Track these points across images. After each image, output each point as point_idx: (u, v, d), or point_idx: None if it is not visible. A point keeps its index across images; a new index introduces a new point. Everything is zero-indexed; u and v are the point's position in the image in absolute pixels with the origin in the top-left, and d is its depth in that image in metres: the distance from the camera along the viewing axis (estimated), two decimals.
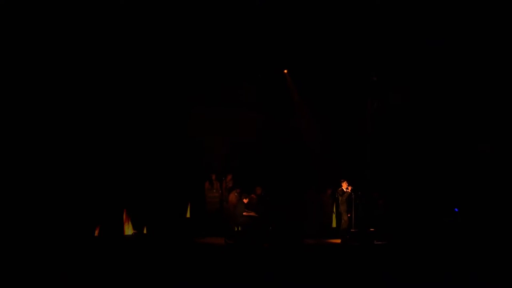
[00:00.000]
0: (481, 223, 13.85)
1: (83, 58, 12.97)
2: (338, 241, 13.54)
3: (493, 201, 14.12)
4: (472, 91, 14.84)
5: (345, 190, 13.72)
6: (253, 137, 15.32)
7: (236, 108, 15.58)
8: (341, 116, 16.06)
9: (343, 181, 13.83)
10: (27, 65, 12.27)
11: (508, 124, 14.53)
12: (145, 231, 14.26)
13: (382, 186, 15.10)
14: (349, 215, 13.64)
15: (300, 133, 16.40)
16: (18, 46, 12.10)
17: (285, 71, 16.09)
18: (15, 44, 12.07)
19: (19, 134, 12.27)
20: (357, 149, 15.87)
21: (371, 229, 13.45)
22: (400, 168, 15.42)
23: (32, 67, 12.34)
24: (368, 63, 14.88)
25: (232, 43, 13.85)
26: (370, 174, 15.30)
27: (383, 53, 14.45)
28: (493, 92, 14.67)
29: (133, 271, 8.76)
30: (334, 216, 15.54)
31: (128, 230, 14.14)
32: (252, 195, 13.89)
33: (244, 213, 13.20)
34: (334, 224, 15.46)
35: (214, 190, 14.66)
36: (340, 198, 13.80)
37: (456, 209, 14.14)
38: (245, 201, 13.37)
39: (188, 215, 14.83)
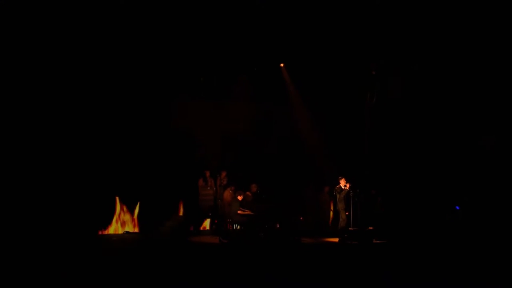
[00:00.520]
0: (482, 220, 13.77)
1: (72, 50, 12.86)
2: (336, 239, 13.38)
3: (495, 197, 14.04)
4: (473, 85, 14.75)
5: (343, 187, 13.53)
6: (248, 132, 15.20)
7: (230, 102, 15.41)
8: (339, 111, 15.96)
9: (341, 178, 13.64)
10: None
11: (510, 118, 14.42)
12: (137, 230, 14.17)
13: (381, 183, 14.99)
14: (347, 213, 13.47)
15: (297, 128, 16.29)
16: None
17: (282, 64, 15.91)
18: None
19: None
20: (355, 145, 15.74)
21: (370, 228, 13.28)
22: (399, 165, 15.32)
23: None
24: (367, 56, 14.71)
25: (227, 35, 13.61)
26: (369, 170, 15.14)
27: (382, 45, 14.29)
28: (493, 85, 14.60)
29: (126, 271, 8.66)
30: (331, 214, 15.44)
31: (120, 229, 14.05)
32: (247, 193, 13.67)
33: (239, 211, 12.99)
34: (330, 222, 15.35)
35: (208, 188, 14.42)
36: (338, 196, 13.61)
37: (457, 207, 13.93)
38: (240, 198, 13.17)
39: (181, 213, 14.71)
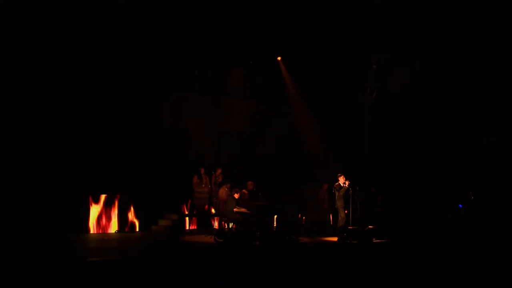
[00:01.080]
0: (485, 218, 13.73)
1: (63, 45, 12.72)
2: (335, 239, 13.15)
3: (498, 195, 13.99)
4: (475, 81, 14.70)
5: (342, 185, 13.27)
6: (245, 128, 15.14)
7: (226, 98, 15.23)
8: (338, 106, 15.88)
9: (340, 175, 13.36)
10: None
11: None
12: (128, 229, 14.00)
13: (381, 180, 14.88)
14: (346, 211, 13.26)
15: (295, 124, 16.14)
16: None
17: (279, 58, 15.73)
18: None
19: None
20: (355, 141, 15.62)
21: (370, 227, 13.06)
22: (400, 162, 15.25)
23: None
24: (367, 49, 14.59)
25: (222, 26, 13.40)
26: (368, 168, 15.03)
27: (383, 39, 14.17)
28: (497, 81, 14.58)
29: (120, 272, 8.50)
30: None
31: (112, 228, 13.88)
32: (244, 190, 13.48)
33: (234, 210, 12.77)
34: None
35: (203, 185, 14.19)
36: (337, 194, 13.35)
37: (460, 205, 13.73)
38: (236, 196, 12.95)
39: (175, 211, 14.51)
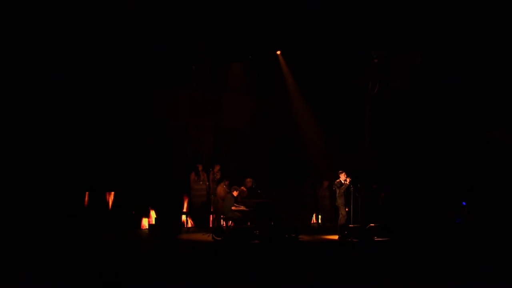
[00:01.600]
0: (489, 216, 13.70)
1: (58, 39, 12.60)
2: (336, 237, 13.08)
3: (503, 192, 13.88)
4: (479, 76, 14.58)
5: (343, 182, 13.16)
6: (243, 124, 15.04)
7: (225, 93, 15.12)
8: (339, 101, 15.72)
9: (341, 172, 13.24)
10: None
11: None
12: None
13: (383, 177, 14.80)
14: (347, 209, 13.16)
15: (294, 120, 16.07)
16: None
17: (278, 52, 15.62)
18: None
19: None
20: (356, 137, 15.58)
21: (372, 224, 12.97)
22: (402, 158, 15.11)
23: None
24: (368, 43, 14.53)
25: (220, 20, 13.27)
26: (370, 164, 15.08)
27: (384, 32, 14.10)
28: (501, 76, 14.43)
29: (117, 270, 8.45)
30: None
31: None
32: (242, 188, 13.41)
33: (233, 207, 12.73)
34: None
35: (201, 182, 14.16)
36: (337, 191, 13.25)
37: (464, 203, 13.62)
38: (235, 194, 12.89)
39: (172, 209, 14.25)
